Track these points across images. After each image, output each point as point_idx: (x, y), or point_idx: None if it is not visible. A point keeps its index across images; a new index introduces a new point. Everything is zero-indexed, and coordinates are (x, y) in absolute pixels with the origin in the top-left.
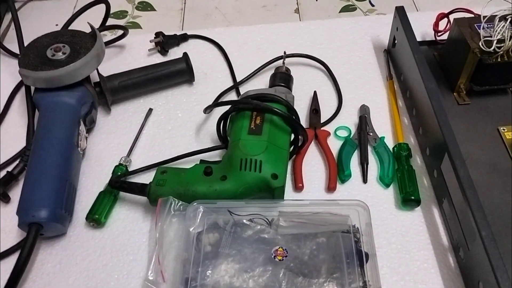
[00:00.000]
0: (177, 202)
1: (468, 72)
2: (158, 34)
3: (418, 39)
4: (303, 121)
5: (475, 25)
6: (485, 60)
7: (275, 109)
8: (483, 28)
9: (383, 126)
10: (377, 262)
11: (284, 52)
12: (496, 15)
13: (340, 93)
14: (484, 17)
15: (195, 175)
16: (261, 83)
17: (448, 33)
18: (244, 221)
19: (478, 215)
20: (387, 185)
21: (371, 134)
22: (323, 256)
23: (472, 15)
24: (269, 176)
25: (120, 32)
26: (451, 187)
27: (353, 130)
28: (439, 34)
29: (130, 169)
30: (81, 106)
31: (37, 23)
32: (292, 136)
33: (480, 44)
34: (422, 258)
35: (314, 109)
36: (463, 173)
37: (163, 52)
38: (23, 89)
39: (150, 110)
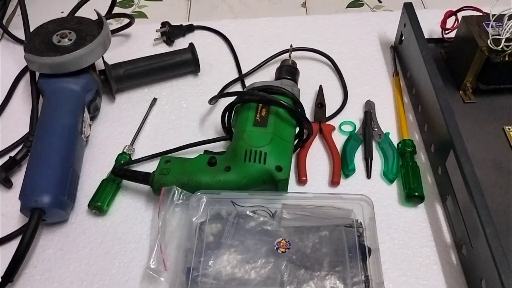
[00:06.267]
0: (180, 191)
1: (475, 70)
2: (164, 24)
3: (425, 36)
4: (308, 115)
5: (483, 23)
6: (492, 58)
7: (281, 102)
8: (492, 27)
9: (388, 122)
10: (380, 257)
11: (291, 45)
12: (505, 14)
13: (345, 88)
14: (493, 15)
15: (199, 165)
16: (266, 76)
17: (455, 31)
18: (247, 212)
19: (482, 212)
20: (391, 181)
21: (376, 129)
22: (325, 250)
23: (481, 14)
24: (273, 168)
25: (126, 21)
26: (455, 184)
27: (358, 125)
28: (446, 32)
29: (133, 158)
30: (86, 93)
31: (42, 10)
32: (297, 129)
33: (488, 42)
34: (425, 254)
35: (320, 103)
36: (468, 170)
37: (169, 42)
38: (27, 75)
39: (155, 99)
